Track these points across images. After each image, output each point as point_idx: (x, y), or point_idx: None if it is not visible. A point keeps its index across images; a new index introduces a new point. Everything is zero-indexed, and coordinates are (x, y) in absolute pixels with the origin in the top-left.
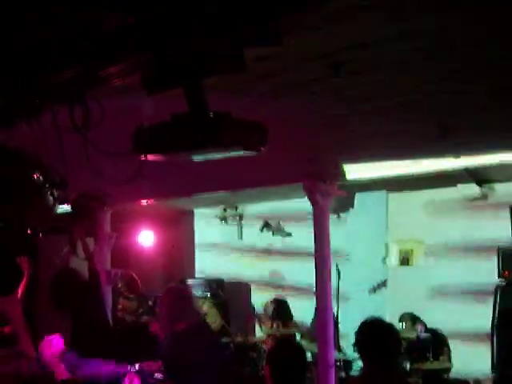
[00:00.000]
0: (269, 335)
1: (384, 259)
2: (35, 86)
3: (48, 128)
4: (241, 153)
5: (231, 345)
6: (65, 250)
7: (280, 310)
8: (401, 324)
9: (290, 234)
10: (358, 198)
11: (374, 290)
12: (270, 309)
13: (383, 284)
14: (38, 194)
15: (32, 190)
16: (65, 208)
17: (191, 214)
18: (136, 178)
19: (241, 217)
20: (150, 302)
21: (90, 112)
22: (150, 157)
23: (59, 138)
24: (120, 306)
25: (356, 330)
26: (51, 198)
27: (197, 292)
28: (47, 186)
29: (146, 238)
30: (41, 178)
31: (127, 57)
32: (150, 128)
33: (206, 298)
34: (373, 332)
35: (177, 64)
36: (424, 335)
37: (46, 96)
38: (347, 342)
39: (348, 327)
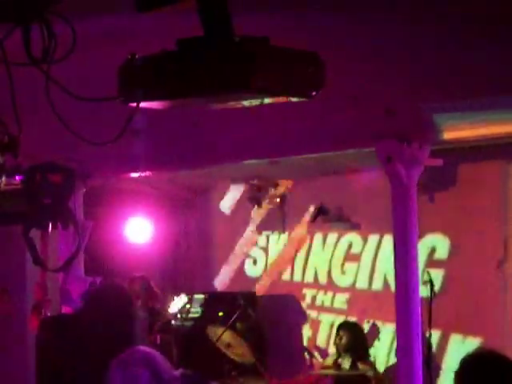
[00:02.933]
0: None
1: (501, 264)
2: None
3: None
4: (283, 99)
5: None
6: None
7: (352, 339)
8: None
9: (357, 226)
10: (463, 170)
11: None
12: (338, 340)
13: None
14: None
15: None
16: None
17: (208, 194)
18: (121, 136)
19: (283, 199)
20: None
21: (55, 37)
22: (144, 104)
23: (8, 77)
24: None
25: (457, 368)
26: None
27: (214, 312)
28: None
29: (138, 231)
30: None
31: None
32: (145, 61)
33: (227, 321)
34: (484, 371)
35: None
36: None
37: None
38: None
39: (451, 365)
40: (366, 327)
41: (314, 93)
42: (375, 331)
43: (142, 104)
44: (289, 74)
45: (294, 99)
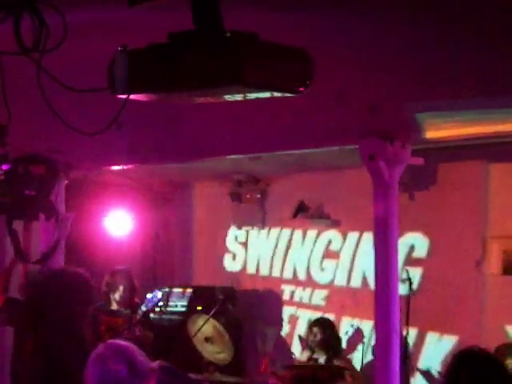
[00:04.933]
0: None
1: (479, 264)
2: None
3: None
4: (270, 94)
5: None
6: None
7: (326, 336)
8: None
9: (337, 223)
10: (443, 170)
11: None
12: (313, 334)
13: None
14: None
15: None
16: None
17: (189, 189)
18: (109, 128)
19: (263, 194)
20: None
21: (46, 27)
22: (134, 96)
23: None
24: (103, 327)
25: (445, 364)
26: None
27: (193, 306)
28: None
29: (119, 222)
30: None
31: None
32: (135, 53)
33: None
34: (470, 369)
35: None
36: None
37: None
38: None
39: (428, 363)
40: (349, 329)
41: (301, 88)
42: (360, 335)
43: (131, 96)
44: (277, 69)
45: (283, 94)
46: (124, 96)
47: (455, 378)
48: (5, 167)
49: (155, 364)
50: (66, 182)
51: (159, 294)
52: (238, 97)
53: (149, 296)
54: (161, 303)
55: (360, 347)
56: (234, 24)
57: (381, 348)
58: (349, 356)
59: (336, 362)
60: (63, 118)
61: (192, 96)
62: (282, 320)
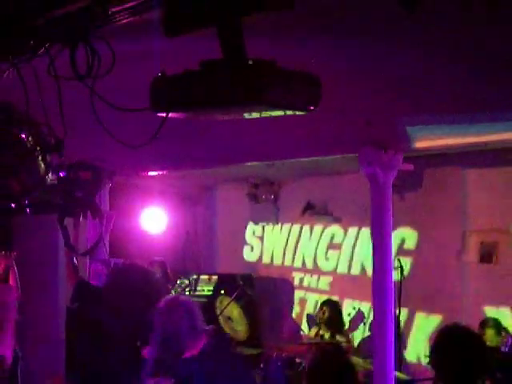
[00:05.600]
0: (310, 346)
1: (459, 253)
2: (29, 21)
3: (43, 76)
4: (285, 113)
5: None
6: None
7: (333, 315)
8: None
9: (339, 220)
10: (428, 174)
11: None
12: (321, 314)
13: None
14: (26, 158)
15: (19, 154)
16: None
17: (213, 191)
18: (151, 141)
19: (276, 195)
20: None
21: (98, 56)
22: (171, 114)
23: (57, 89)
24: None
25: (434, 339)
26: (43, 164)
27: (217, 290)
28: (38, 149)
29: (154, 220)
30: (30, 139)
31: None
32: (173, 77)
33: (229, 298)
34: (457, 342)
35: None
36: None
37: (43, 35)
38: (415, 356)
39: (417, 338)
40: (352, 312)
41: (312, 107)
42: (361, 316)
43: (169, 114)
44: (292, 91)
45: (295, 112)
46: (163, 114)
47: (442, 351)
48: (62, 174)
49: (209, 327)
50: (109, 185)
51: (186, 281)
52: (256, 115)
53: (178, 282)
54: (187, 288)
55: (361, 327)
56: (254, 51)
57: (378, 325)
58: (350, 334)
59: (338, 338)
60: (110, 133)
61: (218, 113)
62: (293, 303)
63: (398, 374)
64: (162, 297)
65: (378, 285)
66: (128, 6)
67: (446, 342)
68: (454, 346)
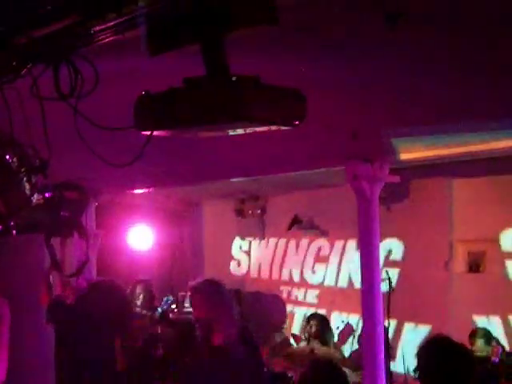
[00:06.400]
0: (301, 360)
1: (447, 264)
2: (12, 41)
3: (27, 97)
4: (270, 128)
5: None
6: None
7: (321, 328)
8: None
9: (326, 233)
10: (414, 185)
11: None
12: (309, 326)
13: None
14: (11, 180)
15: (4, 176)
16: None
17: (199, 206)
18: (135, 160)
19: (263, 210)
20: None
21: (80, 75)
22: (156, 132)
23: (41, 110)
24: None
25: (417, 352)
26: (28, 185)
27: None
28: (23, 170)
29: (141, 238)
30: (15, 160)
31: (129, 5)
32: (157, 96)
33: None
34: (440, 354)
35: (192, 14)
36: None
37: (25, 55)
38: (403, 368)
39: (405, 349)
40: (341, 325)
41: (296, 122)
42: (349, 329)
43: (154, 132)
44: (276, 106)
45: (280, 127)
46: (148, 132)
47: (426, 364)
48: (47, 195)
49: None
50: (95, 204)
51: (171, 298)
52: (240, 131)
53: (165, 299)
54: (173, 305)
55: (350, 339)
56: (238, 67)
57: (368, 337)
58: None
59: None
60: (95, 152)
61: (202, 130)
62: (285, 317)
63: None
64: (126, 313)
65: (367, 297)
66: (111, 24)
67: (428, 354)
68: (437, 358)
